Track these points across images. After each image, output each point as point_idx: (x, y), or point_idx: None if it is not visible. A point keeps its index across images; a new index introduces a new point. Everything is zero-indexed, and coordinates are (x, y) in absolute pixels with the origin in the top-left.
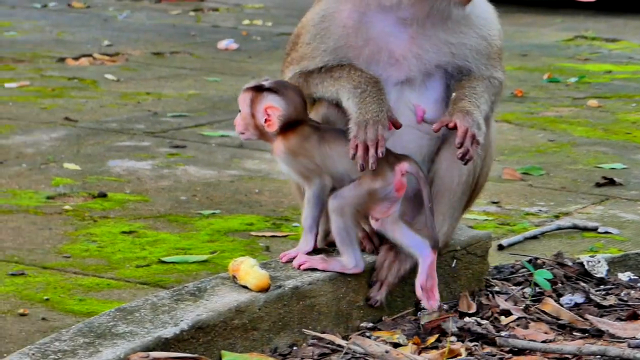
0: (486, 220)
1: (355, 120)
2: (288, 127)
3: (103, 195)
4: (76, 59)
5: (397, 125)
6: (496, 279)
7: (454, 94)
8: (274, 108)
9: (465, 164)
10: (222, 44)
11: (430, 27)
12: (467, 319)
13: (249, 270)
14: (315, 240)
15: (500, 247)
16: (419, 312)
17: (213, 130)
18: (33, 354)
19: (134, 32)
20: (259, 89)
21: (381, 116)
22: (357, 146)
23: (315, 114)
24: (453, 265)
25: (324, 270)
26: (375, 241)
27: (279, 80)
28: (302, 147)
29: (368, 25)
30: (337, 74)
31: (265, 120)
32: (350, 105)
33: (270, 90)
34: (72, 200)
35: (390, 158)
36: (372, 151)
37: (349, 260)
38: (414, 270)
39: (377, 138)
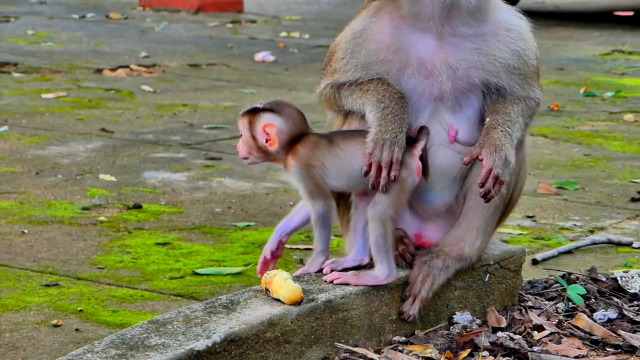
0: (520, 234)
1: (372, 137)
2: (294, 142)
3: (138, 207)
4: (113, 70)
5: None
6: (529, 293)
7: (487, 119)
8: (271, 125)
9: (487, 201)
10: (259, 56)
11: (460, 39)
12: (499, 333)
13: (282, 283)
14: (323, 263)
15: (535, 262)
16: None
17: None
18: None
19: (171, 43)
20: (255, 111)
21: (399, 137)
22: (371, 164)
23: (347, 128)
24: (486, 279)
25: (356, 285)
26: (407, 257)
27: (274, 100)
28: (314, 155)
29: (399, 39)
30: (366, 87)
31: (266, 139)
32: (372, 120)
33: (265, 110)
34: (107, 211)
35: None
36: (384, 173)
37: (383, 269)
38: (447, 284)
39: (391, 160)
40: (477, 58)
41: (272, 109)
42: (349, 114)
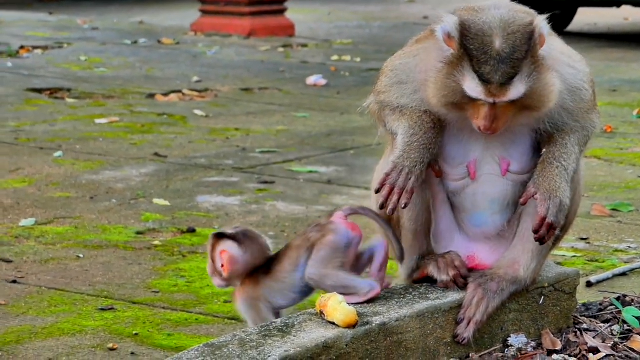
0: (575, 256)
1: (394, 159)
2: (247, 275)
3: (192, 231)
4: (165, 95)
5: (438, 175)
6: (584, 316)
7: (543, 151)
8: (227, 253)
9: (541, 244)
10: (311, 79)
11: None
12: (554, 356)
13: (337, 307)
14: None
15: (589, 284)
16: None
17: (301, 166)
18: None
19: (223, 68)
20: (219, 236)
21: (418, 168)
22: (384, 185)
23: (392, 148)
24: (541, 302)
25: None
26: (460, 282)
27: (243, 229)
28: (256, 289)
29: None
30: (404, 111)
31: (222, 264)
32: (399, 143)
33: (227, 237)
34: (162, 235)
35: (322, 220)
36: (395, 198)
37: (361, 286)
38: (501, 306)
39: (404, 188)
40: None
41: (234, 237)
42: (393, 135)
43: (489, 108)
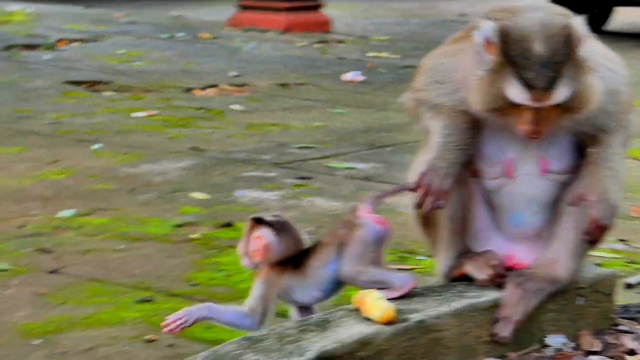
0: (613, 258)
1: (429, 160)
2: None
3: (230, 225)
4: (203, 89)
5: (473, 175)
6: (623, 317)
7: (589, 152)
8: (263, 240)
9: (592, 245)
10: (348, 75)
11: None
12: (593, 357)
13: (375, 303)
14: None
15: (628, 286)
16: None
17: (339, 162)
18: None
19: (260, 63)
20: (259, 221)
21: (453, 169)
22: (420, 184)
23: (427, 145)
24: (579, 302)
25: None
26: (496, 281)
27: (282, 219)
28: (278, 279)
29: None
30: (440, 109)
31: (255, 249)
32: (434, 143)
33: (267, 223)
34: (200, 229)
35: (347, 216)
36: (430, 199)
37: (396, 280)
38: (540, 307)
39: (440, 189)
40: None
41: (272, 225)
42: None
43: (533, 113)
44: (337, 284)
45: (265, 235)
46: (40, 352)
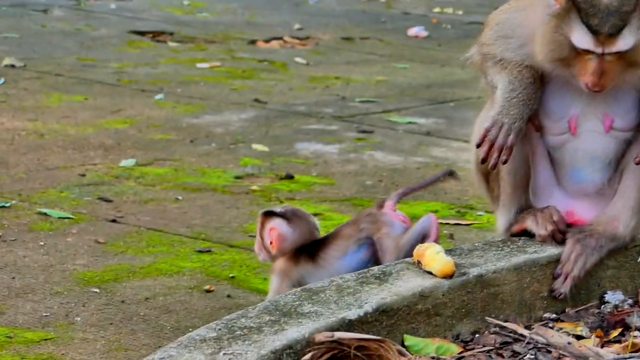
0: None
1: (494, 114)
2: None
3: (290, 177)
4: (267, 41)
5: (537, 129)
6: None
7: None
8: (276, 230)
9: None
10: (412, 31)
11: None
12: None
13: (434, 257)
14: None
15: None
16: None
17: (401, 116)
18: (220, 329)
19: (325, 16)
20: (269, 214)
21: (518, 124)
22: (485, 139)
23: (491, 102)
24: (639, 260)
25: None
26: (557, 237)
27: (292, 208)
28: (294, 269)
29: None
30: (505, 64)
31: (270, 242)
32: (498, 98)
33: (277, 215)
34: (260, 180)
35: (372, 211)
36: (495, 154)
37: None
38: (599, 263)
39: (504, 145)
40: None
41: (283, 215)
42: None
43: (597, 62)
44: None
45: (277, 225)
46: (99, 300)
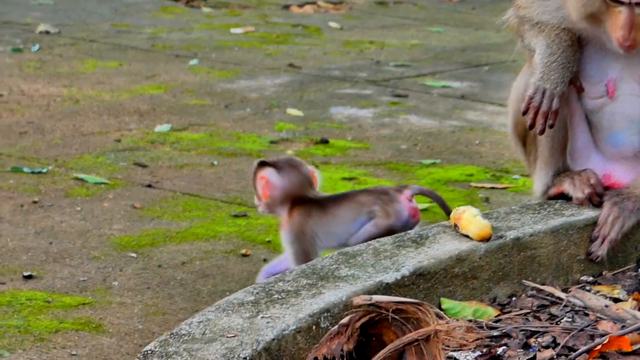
0: None
1: (534, 81)
2: (293, 204)
3: (325, 142)
4: (300, 6)
5: (579, 91)
6: None
7: None
8: (266, 179)
9: None
10: None
11: None
12: None
13: (472, 220)
14: None
15: None
16: None
17: (435, 80)
18: (257, 293)
19: None
20: (261, 164)
21: (559, 88)
22: (529, 106)
23: (529, 65)
24: None
25: None
26: (595, 200)
27: (286, 157)
28: (306, 222)
29: None
30: (542, 28)
31: (262, 191)
32: (537, 63)
33: (267, 164)
34: (295, 145)
35: (391, 191)
36: (542, 120)
37: None
38: (636, 226)
39: (549, 110)
40: None
41: (273, 164)
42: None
43: (627, 15)
44: (352, 239)
45: (267, 174)
46: (136, 265)
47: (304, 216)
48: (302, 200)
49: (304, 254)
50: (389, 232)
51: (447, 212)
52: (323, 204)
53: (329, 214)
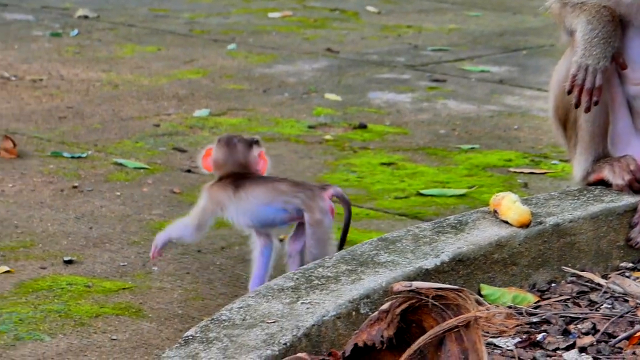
0: None
1: (577, 59)
2: (221, 177)
3: (363, 126)
4: None
5: (623, 67)
6: None
7: None
8: (209, 151)
9: None
10: None
11: None
12: None
13: (511, 206)
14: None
15: None
16: None
17: (473, 65)
18: (297, 279)
19: None
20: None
21: (602, 64)
22: (573, 86)
23: (571, 49)
24: None
25: None
26: (635, 186)
27: (236, 135)
28: (216, 194)
29: None
30: (584, 7)
31: (204, 161)
32: (579, 40)
33: (218, 140)
34: (333, 130)
35: (315, 189)
36: (586, 97)
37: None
38: None
39: (593, 87)
40: None
41: (220, 140)
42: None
43: None
44: (268, 223)
45: (212, 149)
46: (175, 250)
47: (220, 186)
48: (229, 175)
49: (197, 216)
50: (329, 231)
51: (347, 223)
52: (242, 182)
53: (242, 191)
